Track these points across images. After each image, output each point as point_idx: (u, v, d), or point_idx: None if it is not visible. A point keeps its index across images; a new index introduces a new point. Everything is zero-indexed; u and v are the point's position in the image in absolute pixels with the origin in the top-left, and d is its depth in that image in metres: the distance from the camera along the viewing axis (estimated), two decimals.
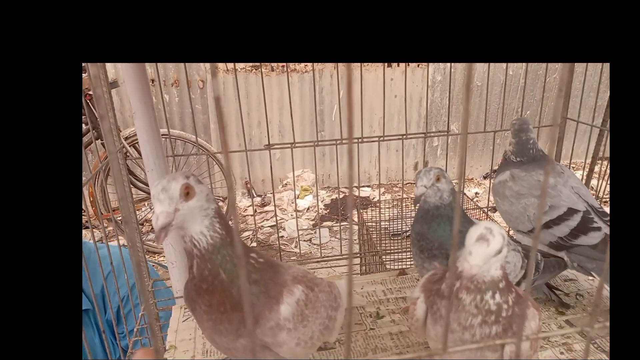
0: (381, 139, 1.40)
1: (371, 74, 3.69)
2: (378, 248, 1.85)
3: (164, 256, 1.32)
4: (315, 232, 3.25)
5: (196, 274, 0.68)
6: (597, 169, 1.70)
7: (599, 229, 1.15)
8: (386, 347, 1.07)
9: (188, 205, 0.63)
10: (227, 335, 0.69)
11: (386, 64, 3.73)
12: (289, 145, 1.31)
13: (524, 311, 0.39)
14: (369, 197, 3.79)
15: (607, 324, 0.45)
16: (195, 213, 0.65)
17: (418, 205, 1.00)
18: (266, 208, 3.64)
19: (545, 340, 1.11)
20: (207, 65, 3.40)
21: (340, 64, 3.60)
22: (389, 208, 2.45)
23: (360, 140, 1.39)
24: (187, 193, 0.63)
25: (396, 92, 3.81)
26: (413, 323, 0.74)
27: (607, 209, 1.49)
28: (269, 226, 3.36)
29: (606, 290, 1.11)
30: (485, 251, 0.61)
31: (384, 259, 1.74)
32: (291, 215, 3.49)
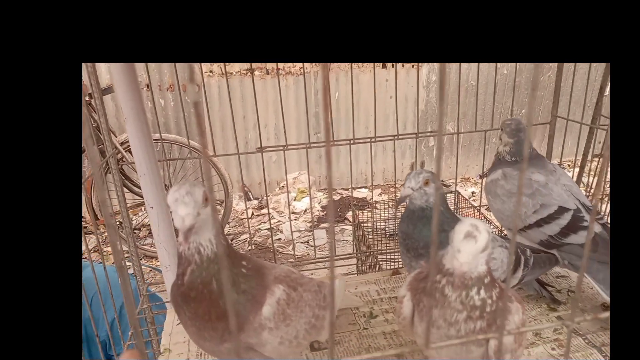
0: (373, 139, 1.41)
1: (367, 75, 3.71)
2: (373, 248, 1.86)
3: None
4: (312, 234, 3.26)
5: (186, 281, 0.68)
6: (591, 166, 1.71)
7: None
8: (379, 346, 1.08)
9: (206, 211, 0.66)
10: (211, 341, 0.70)
11: (381, 65, 3.75)
12: (281, 148, 1.32)
13: (505, 306, 0.40)
14: (365, 198, 3.80)
15: (588, 317, 0.46)
16: (208, 220, 0.67)
17: (404, 204, 1.01)
18: (263, 211, 3.65)
19: (537, 336, 1.12)
20: (204, 69, 3.41)
21: (333, 66, 3.61)
22: (385, 209, 2.46)
23: (352, 141, 1.40)
24: (206, 199, 0.66)
25: (392, 92, 3.82)
26: (400, 321, 0.75)
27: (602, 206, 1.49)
28: (266, 229, 3.37)
29: (599, 289, 1.11)
30: (474, 248, 0.62)
31: (380, 259, 1.75)
32: (288, 217, 3.50)
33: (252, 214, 3.62)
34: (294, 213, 3.59)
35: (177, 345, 1.09)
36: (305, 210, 3.60)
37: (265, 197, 3.15)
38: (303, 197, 3.70)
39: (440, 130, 0.41)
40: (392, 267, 1.61)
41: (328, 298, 0.92)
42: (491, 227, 1.89)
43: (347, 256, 1.71)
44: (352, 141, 1.40)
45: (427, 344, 0.45)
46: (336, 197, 3.86)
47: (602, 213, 1.41)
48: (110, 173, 1.23)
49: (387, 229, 2.35)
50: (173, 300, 0.73)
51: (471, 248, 0.62)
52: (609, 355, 1.05)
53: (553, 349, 1.07)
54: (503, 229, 1.44)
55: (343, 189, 3.98)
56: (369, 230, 2.23)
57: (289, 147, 1.33)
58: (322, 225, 3.45)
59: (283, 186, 3.80)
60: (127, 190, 2.83)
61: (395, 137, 1.43)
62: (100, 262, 1.19)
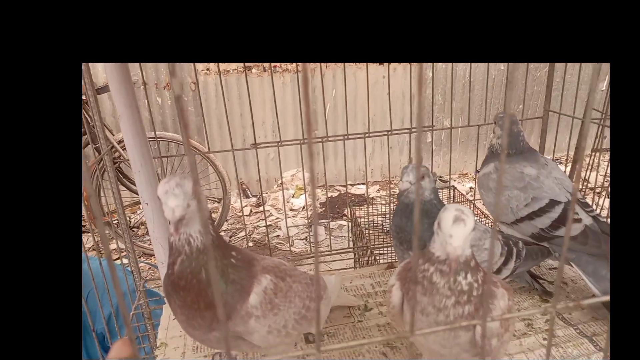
0: (367, 135, 1.43)
1: (364, 72, 3.71)
2: (369, 243, 1.88)
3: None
4: (311, 231, 3.27)
5: (176, 270, 0.70)
6: (588, 160, 1.73)
7: (579, 220, 1.17)
8: (373, 337, 1.10)
9: (195, 202, 0.67)
10: (199, 329, 0.72)
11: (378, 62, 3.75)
12: (276, 144, 1.34)
13: (489, 290, 0.41)
14: (363, 194, 3.81)
15: (571, 304, 0.47)
16: (198, 213, 0.68)
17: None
18: (261, 208, 3.66)
19: (529, 327, 1.13)
20: (199, 67, 3.42)
21: (331, 64, 3.62)
22: (383, 205, 2.47)
23: (346, 137, 1.41)
24: (195, 192, 0.66)
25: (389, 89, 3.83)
26: (390, 310, 0.77)
27: (596, 199, 1.50)
28: (264, 226, 3.38)
29: (588, 281, 1.13)
30: (464, 231, 0.63)
31: (376, 254, 1.76)
32: (286, 214, 3.51)
33: (251, 211, 3.64)
34: (292, 210, 3.61)
35: (174, 339, 1.10)
36: (303, 207, 3.61)
37: (261, 195, 3.19)
38: (301, 194, 3.71)
39: (420, 123, 0.42)
40: (388, 261, 1.63)
41: (321, 291, 0.93)
42: (484, 220, 1.91)
43: (343, 251, 1.72)
44: (346, 137, 1.41)
45: (412, 330, 0.46)
46: (334, 194, 3.88)
47: (594, 205, 1.42)
48: (106, 171, 1.24)
49: (384, 224, 2.37)
50: (164, 289, 0.75)
51: (462, 231, 0.63)
52: (600, 344, 1.07)
53: (544, 339, 1.08)
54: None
55: (341, 185, 3.99)
56: (366, 226, 2.25)
57: (283, 143, 1.34)
58: (320, 221, 3.46)
59: (281, 183, 3.81)
60: (125, 189, 2.85)
61: (389, 133, 1.45)
62: (96, 257, 1.20)
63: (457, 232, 0.63)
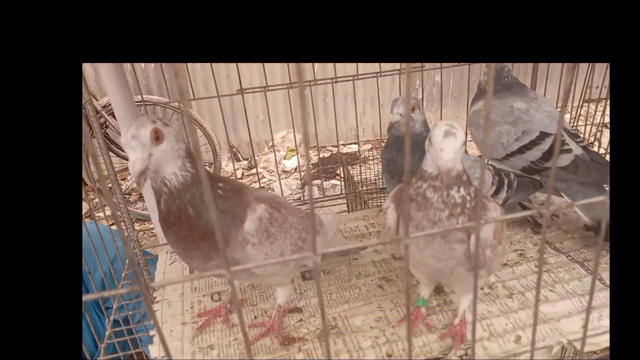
0: (356, 77, 1.40)
1: None
2: (361, 190, 1.88)
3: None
4: (304, 191, 3.27)
5: (163, 209, 0.70)
6: (578, 110, 1.72)
7: (569, 150, 1.17)
8: (369, 273, 1.11)
9: (160, 149, 0.65)
10: (197, 260, 0.72)
11: None
12: (262, 89, 1.31)
13: (480, 198, 0.41)
14: (355, 153, 3.80)
15: (564, 205, 0.47)
16: (168, 155, 0.67)
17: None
18: (253, 171, 3.64)
19: (521, 256, 1.15)
20: None
21: None
22: (376, 162, 2.45)
23: (334, 80, 1.38)
24: (157, 137, 0.65)
25: None
26: (385, 232, 0.77)
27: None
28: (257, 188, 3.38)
29: (578, 210, 1.14)
30: (455, 144, 0.64)
31: (367, 199, 1.77)
32: (279, 175, 3.50)
33: (242, 174, 3.62)
34: (284, 171, 3.60)
35: None
36: (295, 168, 3.60)
37: (253, 157, 3.17)
38: (292, 155, 3.69)
39: (408, 70, 0.41)
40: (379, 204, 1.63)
41: (317, 226, 0.93)
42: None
43: (335, 197, 1.73)
44: (334, 80, 1.38)
45: (407, 233, 0.46)
46: (326, 154, 3.86)
47: (582, 136, 1.42)
48: (94, 137, 1.21)
49: (378, 181, 2.36)
50: (160, 226, 0.75)
51: (453, 144, 0.64)
52: (591, 268, 1.09)
53: (536, 266, 1.11)
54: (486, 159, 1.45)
55: (333, 145, 3.97)
56: (361, 183, 2.25)
57: (270, 88, 1.31)
58: (314, 182, 3.46)
59: (271, 145, 3.78)
60: (114, 155, 2.80)
61: (378, 74, 1.42)
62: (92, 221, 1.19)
63: (448, 146, 0.63)
